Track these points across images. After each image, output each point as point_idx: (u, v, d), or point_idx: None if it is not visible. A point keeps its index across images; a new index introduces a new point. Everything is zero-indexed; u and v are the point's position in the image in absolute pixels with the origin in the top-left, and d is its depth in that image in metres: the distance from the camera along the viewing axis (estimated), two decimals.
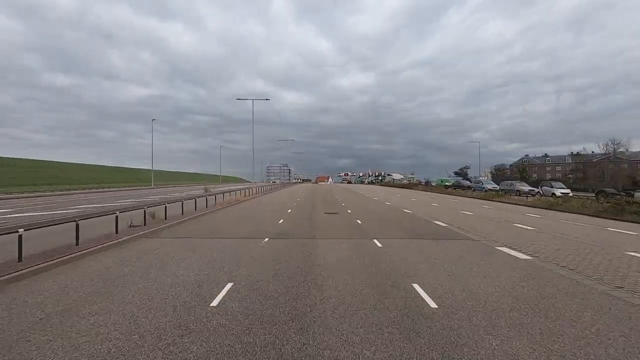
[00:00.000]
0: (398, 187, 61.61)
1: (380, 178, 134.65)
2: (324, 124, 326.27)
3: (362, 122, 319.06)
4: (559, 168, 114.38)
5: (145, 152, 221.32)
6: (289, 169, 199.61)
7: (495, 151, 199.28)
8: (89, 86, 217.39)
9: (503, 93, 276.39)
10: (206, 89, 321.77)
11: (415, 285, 5.76)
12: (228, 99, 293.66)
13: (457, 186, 42.46)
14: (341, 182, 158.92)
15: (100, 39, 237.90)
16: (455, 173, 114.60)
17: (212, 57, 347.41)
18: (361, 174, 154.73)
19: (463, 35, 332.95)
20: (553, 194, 29.43)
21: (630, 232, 12.19)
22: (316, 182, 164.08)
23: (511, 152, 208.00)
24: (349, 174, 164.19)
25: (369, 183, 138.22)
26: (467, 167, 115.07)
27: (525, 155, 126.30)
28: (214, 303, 4.92)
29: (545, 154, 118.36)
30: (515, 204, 24.51)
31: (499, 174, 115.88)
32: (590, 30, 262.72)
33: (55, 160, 75.10)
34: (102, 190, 42.11)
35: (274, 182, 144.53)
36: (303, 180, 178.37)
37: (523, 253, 8.54)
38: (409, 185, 53.33)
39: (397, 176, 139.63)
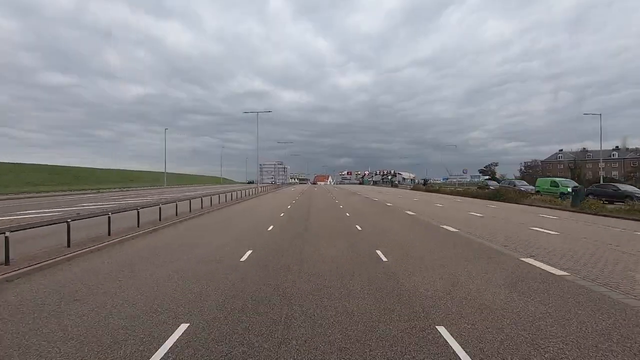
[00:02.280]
0: (460, 195, 32.77)
1: (389, 178, 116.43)
2: (322, 123, 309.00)
3: (361, 121, 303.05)
4: (602, 164, 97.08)
5: (142, 151, 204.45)
6: (284, 168, 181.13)
7: (493, 150, 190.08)
8: (86, 85, 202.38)
9: (502, 92, 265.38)
10: (205, 88, 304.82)
11: None
12: (227, 98, 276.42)
13: (594, 194, 21.82)
14: (340, 183, 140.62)
15: (97, 37, 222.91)
16: (481, 172, 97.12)
17: (211, 56, 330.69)
18: (366, 173, 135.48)
19: (462, 34, 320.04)
20: None
21: None
22: (315, 183, 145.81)
23: (510, 151, 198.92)
24: (352, 172, 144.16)
25: (374, 183, 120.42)
26: (494, 164, 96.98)
27: (560, 150, 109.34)
28: None
29: (584, 148, 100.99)
30: None
31: (530, 172, 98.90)
32: (590, 30, 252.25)
33: None
34: None
35: (251, 183, 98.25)
36: (300, 180, 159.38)
37: None
38: (505, 195, 24.51)
39: (407, 175, 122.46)
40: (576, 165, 73.71)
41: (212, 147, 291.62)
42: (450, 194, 37.42)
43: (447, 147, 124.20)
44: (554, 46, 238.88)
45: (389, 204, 23.93)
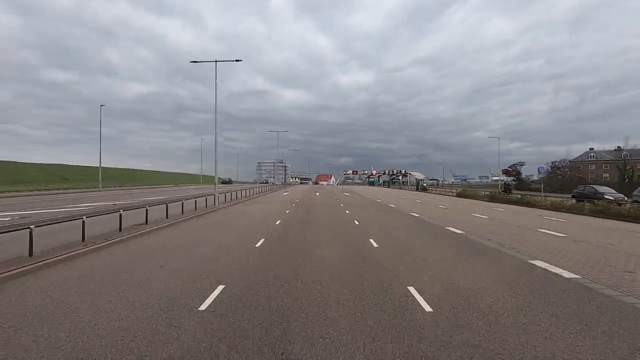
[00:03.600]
0: None
1: (400, 178, 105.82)
2: (323, 122, 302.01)
3: (361, 120, 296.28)
4: None
5: (143, 149, 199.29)
6: (285, 166, 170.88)
7: (494, 150, 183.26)
8: (87, 82, 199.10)
9: (504, 92, 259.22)
10: (206, 86, 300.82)
11: None
12: (228, 96, 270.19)
13: None
14: (343, 183, 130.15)
15: (98, 35, 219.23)
16: (505, 172, 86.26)
17: (212, 54, 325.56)
18: (374, 172, 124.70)
19: (464, 33, 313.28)
20: None
21: None
22: (316, 182, 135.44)
23: (513, 151, 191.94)
24: (357, 171, 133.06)
25: (382, 184, 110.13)
26: (521, 164, 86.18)
27: (590, 149, 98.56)
28: None
29: (619, 147, 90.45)
30: None
31: (557, 172, 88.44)
32: (591, 30, 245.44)
33: None
34: None
35: (226, 183, 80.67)
36: (301, 179, 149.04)
37: None
38: None
39: (418, 175, 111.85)
40: (626, 164, 62.95)
41: (213, 145, 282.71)
42: (557, 210, 22.08)
43: (447, 147, 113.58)
44: (555, 46, 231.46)
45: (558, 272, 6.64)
